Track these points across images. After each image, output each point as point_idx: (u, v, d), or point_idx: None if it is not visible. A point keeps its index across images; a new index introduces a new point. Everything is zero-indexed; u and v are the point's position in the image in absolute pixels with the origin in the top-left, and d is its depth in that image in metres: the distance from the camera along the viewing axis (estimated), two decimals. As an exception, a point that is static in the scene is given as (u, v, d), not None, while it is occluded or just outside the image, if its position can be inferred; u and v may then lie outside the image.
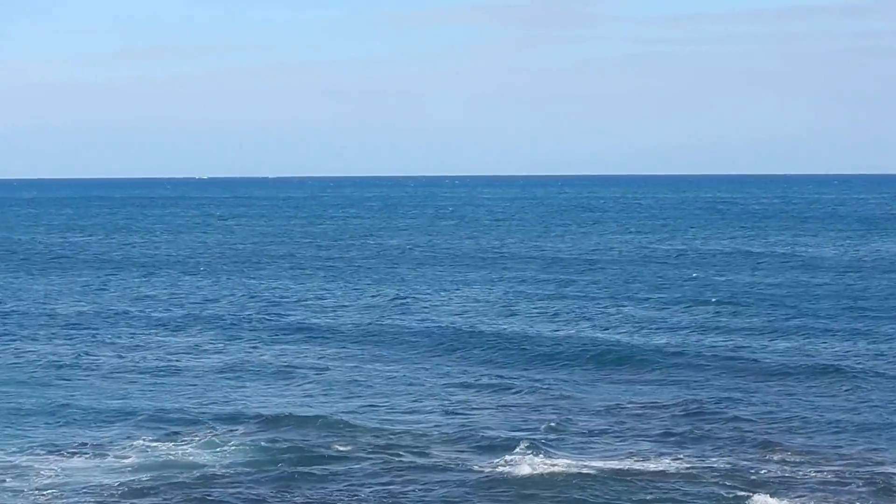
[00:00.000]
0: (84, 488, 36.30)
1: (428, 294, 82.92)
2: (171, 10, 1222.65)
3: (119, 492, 35.93)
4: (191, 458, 39.46)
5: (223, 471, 37.78)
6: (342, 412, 45.78)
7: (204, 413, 46.09)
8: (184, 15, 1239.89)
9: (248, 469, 37.99)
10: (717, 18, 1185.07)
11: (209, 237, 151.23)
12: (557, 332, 64.37)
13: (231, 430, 42.71)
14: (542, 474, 36.95)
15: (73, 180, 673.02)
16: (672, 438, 41.48)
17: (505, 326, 66.82)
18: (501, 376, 53.35)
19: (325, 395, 49.82)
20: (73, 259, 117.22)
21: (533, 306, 75.47)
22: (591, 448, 40.51)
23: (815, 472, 37.23)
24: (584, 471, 37.19)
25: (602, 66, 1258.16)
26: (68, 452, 40.42)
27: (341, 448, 40.06)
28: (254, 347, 61.60)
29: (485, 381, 52.31)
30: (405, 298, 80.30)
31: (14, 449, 40.97)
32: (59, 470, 38.30)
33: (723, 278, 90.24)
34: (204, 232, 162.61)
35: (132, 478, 37.15)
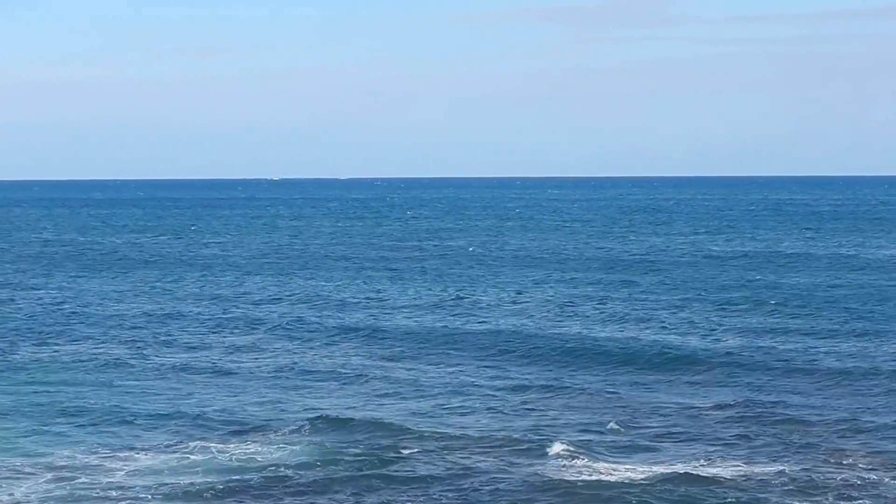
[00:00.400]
0: (153, 488, 36.85)
1: (489, 295, 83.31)
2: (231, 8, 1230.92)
3: (188, 492, 36.45)
4: (258, 459, 39.91)
5: (290, 472, 38.16)
6: (406, 414, 46.33)
7: (268, 414, 46.71)
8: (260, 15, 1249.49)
9: (315, 471, 38.35)
10: (790, 19, 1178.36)
11: (276, 238, 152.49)
12: (617, 334, 64.59)
13: (296, 432, 43.23)
14: (604, 478, 37.22)
15: (144, 181, 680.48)
16: (735, 443, 41.44)
17: (565, 328, 67.02)
18: (561, 378, 53.62)
19: (388, 396, 50.35)
20: (139, 260, 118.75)
21: (593, 308, 75.65)
22: (654, 451, 40.66)
23: (888, 478, 36.82)
24: (646, 475, 37.30)
25: (675, 65, 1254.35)
26: (137, 452, 41.08)
27: (407, 450, 40.40)
28: (316, 348, 62.31)
29: (544, 382, 52.55)
30: (466, 299, 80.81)
31: (83, 448, 41.71)
32: (128, 469, 38.94)
33: (786, 280, 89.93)
34: (270, 233, 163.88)
35: (201, 479, 37.68)
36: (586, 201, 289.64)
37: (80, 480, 37.63)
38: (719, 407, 46.82)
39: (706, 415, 45.65)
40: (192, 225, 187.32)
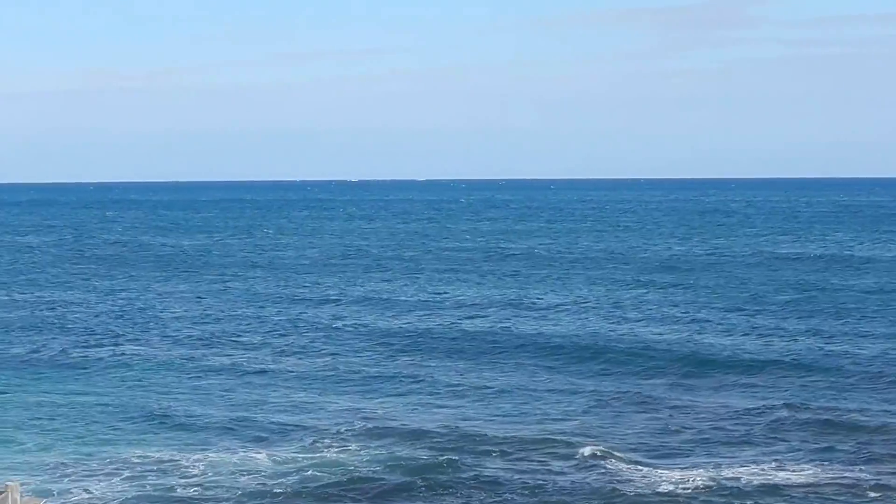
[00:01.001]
0: (228, 488, 37.93)
1: (548, 297, 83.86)
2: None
3: (259, 493, 37.48)
4: (327, 462, 40.77)
5: (361, 476, 39.00)
6: (471, 419, 47.27)
7: (335, 419, 47.68)
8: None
9: (388, 475, 39.18)
10: (869, 20, 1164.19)
11: (343, 240, 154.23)
12: (675, 336, 65.33)
13: (363, 435, 44.38)
14: (663, 485, 37.86)
15: (222, 183, 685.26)
16: (793, 448, 41.91)
17: (623, 330, 67.60)
18: (620, 382, 54.31)
19: (452, 401, 51.05)
20: (201, 262, 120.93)
21: (655, 310, 76.16)
22: (720, 458, 41.03)
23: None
24: (707, 483, 37.74)
25: (751, 66, 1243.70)
26: (211, 453, 42.13)
27: (475, 456, 41.21)
28: (381, 352, 63.10)
29: (602, 386, 53.26)
30: (523, 302, 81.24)
31: (156, 448, 42.98)
32: (200, 470, 39.96)
33: (857, 282, 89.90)
34: (338, 236, 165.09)
35: (272, 481, 38.69)
36: (662, 202, 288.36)
37: (154, 480, 38.71)
38: (784, 409, 47.22)
39: (775, 423, 45.67)
40: (264, 227, 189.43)
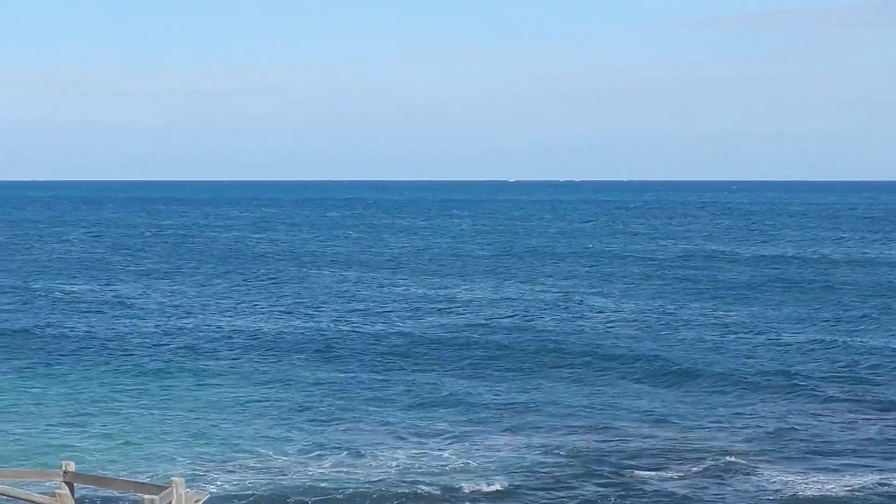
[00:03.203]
0: (339, 491, 38.98)
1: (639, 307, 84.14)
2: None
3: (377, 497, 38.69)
4: (441, 468, 41.79)
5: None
6: (569, 431, 47.99)
7: (444, 423, 48.67)
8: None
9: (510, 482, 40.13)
10: None
11: (486, 238, 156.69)
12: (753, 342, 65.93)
13: (472, 436, 45.66)
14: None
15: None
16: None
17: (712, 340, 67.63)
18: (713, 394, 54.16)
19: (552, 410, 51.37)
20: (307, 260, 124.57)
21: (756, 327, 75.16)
22: (806, 464, 41.89)
23: None
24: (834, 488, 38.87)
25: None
26: (321, 455, 43.15)
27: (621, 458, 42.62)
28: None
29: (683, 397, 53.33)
30: (600, 311, 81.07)
31: (279, 445, 44.50)
32: (314, 473, 41.08)
33: None
34: (474, 238, 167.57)
35: (386, 487, 39.53)
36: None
37: (284, 478, 40.04)
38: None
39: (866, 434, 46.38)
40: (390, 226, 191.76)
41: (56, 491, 26.13)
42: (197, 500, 26.62)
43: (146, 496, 24.57)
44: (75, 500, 26.58)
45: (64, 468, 26.62)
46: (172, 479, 25.50)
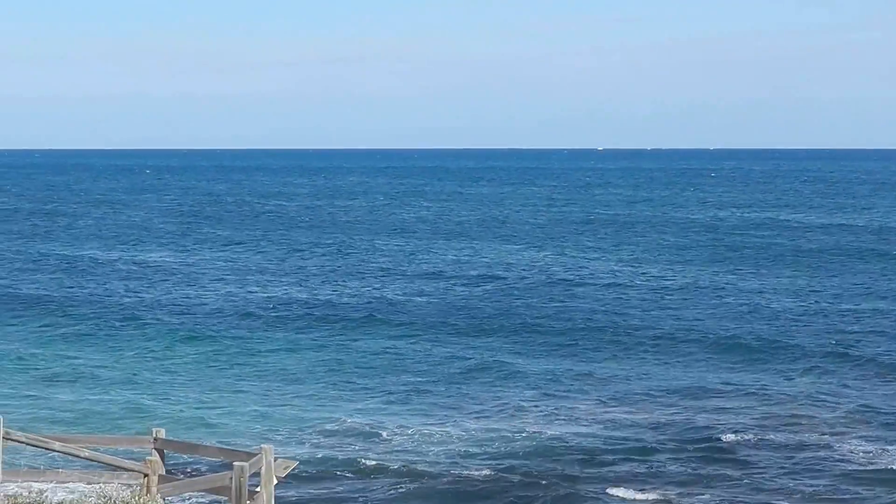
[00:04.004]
0: (421, 461, 39.22)
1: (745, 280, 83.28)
2: None
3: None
4: (525, 437, 41.81)
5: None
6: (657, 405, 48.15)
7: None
8: None
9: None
10: None
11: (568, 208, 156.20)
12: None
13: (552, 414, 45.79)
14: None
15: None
16: None
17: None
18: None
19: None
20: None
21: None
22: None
23: None
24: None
25: None
26: (403, 425, 43.22)
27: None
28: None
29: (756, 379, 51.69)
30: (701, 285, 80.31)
31: (350, 417, 44.69)
32: (395, 442, 41.21)
33: None
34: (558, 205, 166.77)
35: (465, 456, 39.90)
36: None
37: (366, 447, 40.33)
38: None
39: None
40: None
41: (147, 458, 26.23)
42: (286, 467, 26.62)
43: (236, 462, 24.59)
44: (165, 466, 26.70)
45: (154, 435, 26.72)
46: (262, 446, 25.51)
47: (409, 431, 42.36)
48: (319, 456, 38.99)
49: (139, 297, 74.15)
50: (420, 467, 37.95)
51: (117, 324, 63.92)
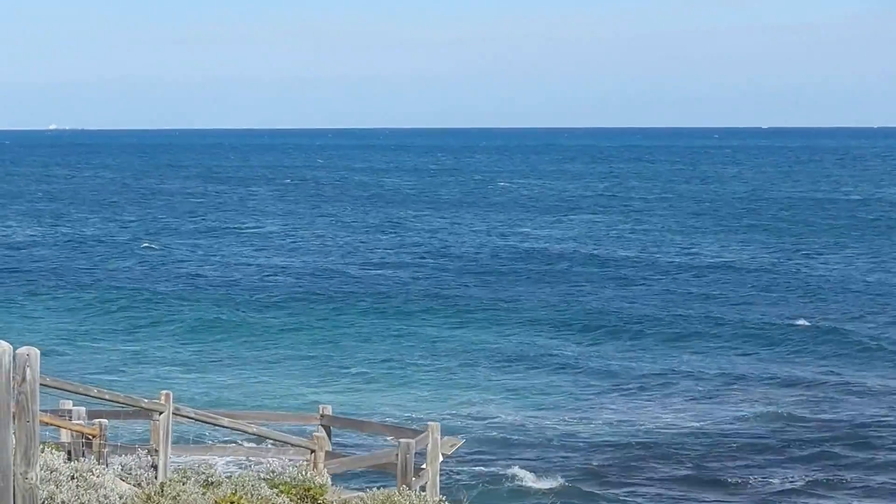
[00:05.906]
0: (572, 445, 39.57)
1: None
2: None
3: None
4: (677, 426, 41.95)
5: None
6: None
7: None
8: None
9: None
10: None
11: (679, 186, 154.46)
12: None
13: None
14: None
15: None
16: None
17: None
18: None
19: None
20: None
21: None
22: None
23: None
24: None
25: None
26: (558, 406, 43.66)
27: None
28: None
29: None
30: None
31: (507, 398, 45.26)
32: (547, 424, 41.46)
33: None
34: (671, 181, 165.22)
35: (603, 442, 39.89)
36: None
37: (521, 427, 40.66)
38: None
39: None
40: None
41: (314, 434, 26.20)
42: (453, 445, 26.39)
43: (402, 440, 24.40)
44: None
45: (321, 412, 26.67)
46: (429, 423, 25.31)
47: (567, 428, 41.86)
48: (483, 436, 39.07)
49: (294, 278, 74.57)
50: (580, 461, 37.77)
51: (293, 307, 64.18)
